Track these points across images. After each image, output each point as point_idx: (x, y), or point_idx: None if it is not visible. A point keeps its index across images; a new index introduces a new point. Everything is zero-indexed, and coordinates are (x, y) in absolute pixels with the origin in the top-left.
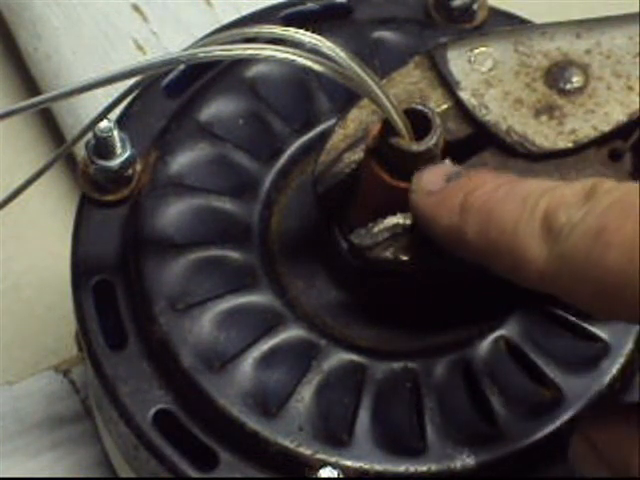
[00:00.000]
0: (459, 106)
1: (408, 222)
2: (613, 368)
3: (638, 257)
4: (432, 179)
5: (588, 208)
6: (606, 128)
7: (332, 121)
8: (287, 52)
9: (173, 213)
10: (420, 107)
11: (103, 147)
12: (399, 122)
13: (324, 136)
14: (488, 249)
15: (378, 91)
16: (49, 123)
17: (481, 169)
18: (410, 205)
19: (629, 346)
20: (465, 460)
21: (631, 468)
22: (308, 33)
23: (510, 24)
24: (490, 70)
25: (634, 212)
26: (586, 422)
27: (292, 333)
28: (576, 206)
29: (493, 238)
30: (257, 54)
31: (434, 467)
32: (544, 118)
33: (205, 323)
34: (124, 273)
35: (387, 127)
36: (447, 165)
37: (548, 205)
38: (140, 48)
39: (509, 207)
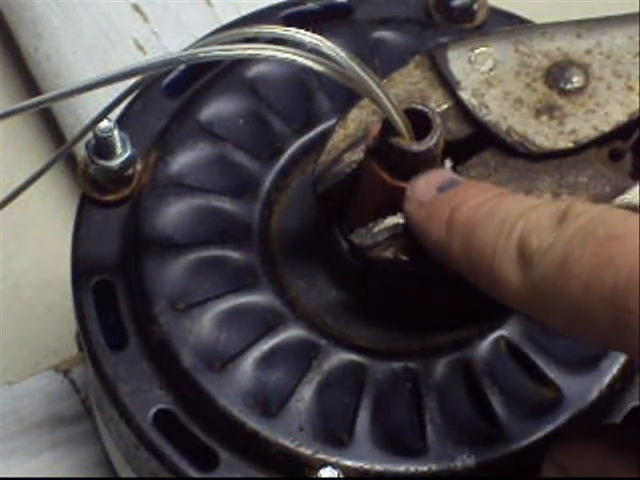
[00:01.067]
0: (459, 106)
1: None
2: (613, 368)
3: (594, 287)
4: (424, 189)
5: (557, 234)
6: (606, 128)
7: (332, 121)
8: (287, 52)
9: (173, 213)
10: (420, 107)
11: (103, 147)
12: (399, 122)
13: (324, 136)
14: (470, 268)
15: (378, 91)
16: (49, 123)
17: (471, 180)
18: (404, 213)
19: None
20: (465, 460)
21: None
22: (308, 33)
23: (510, 24)
24: (490, 70)
25: (594, 241)
26: (555, 447)
27: (292, 333)
28: (548, 230)
29: (474, 259)
30: (257, 54)
31: (434, 467)
32: (544, 118)
33: (205, 323)
34: (124, 273)
35: (387, 127)
36: (442, 172)
37: (523, 229)
38: (140, 48)
39: (488, 230)
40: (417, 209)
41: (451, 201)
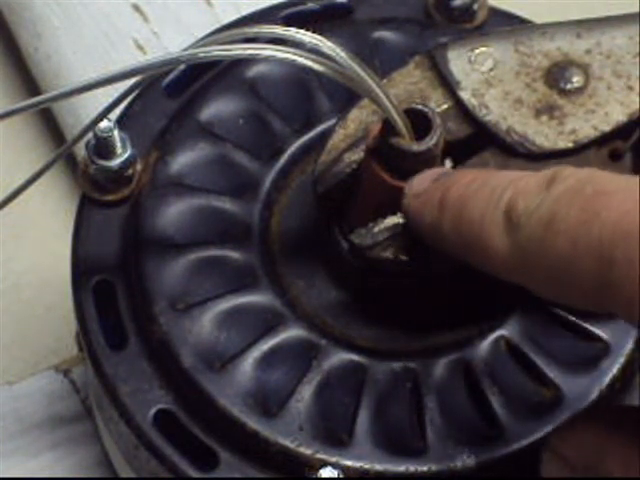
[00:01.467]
0: (459, 106)
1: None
2: (613, 368)
3: (581, 242)
4: (420, 182)
5: (544, 195)
6: (606, 128)
7: (332, 121)
8: (287, 52)
9: (173, 213)
10: (420, 107)
11: (103, 147)
12: (399, 122)
13: (324, 136)
14: (461, 243)
15: (378, 91)
16: (49, 123)
17: (465, 167)
18: (402, 211)
19: (629, 346)
20: (465, 460)
21: (602, 472)
22: (308, 33)
23: (510, 24)
24: (490, 70)
25: (581, 197)
26: (554, 437)
27: (292, 333)
28: (534, 194)
29: (464, 231)
30: (257, 54)
31: (434, 467)
32: (544, 118)
33: (205, 323)
34: (124, 273)
35: (387, 127)
36: (437, 169)
37: (511, 195)
38: (140, 48)
39: (478, 201)
40: (413, 200)
41: (443, 185)
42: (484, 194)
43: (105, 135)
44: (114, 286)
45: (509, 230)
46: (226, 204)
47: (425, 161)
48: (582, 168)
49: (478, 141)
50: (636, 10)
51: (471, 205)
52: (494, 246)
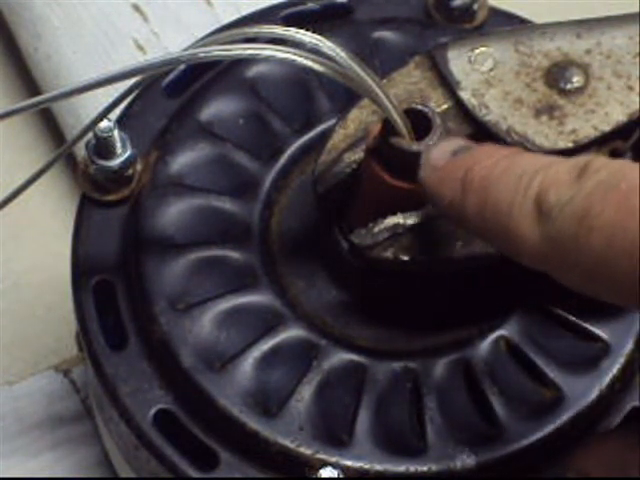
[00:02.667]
0: (459, 106)
1: (408, 222)
2: (613, 368)
3: (617, 241)
4: (439, 155)
5: (577, 188)
6: (606, 128)
7: (332, 121)
8: (287, 52)
9: (173, 213)
10: (420, 107)
11: (103, 147)
12: (399, 122)
13: (324, 136)
14: (486, 227)
15: (378, 91)
16: (49, 123)
17: (486, 143)
18: (419, 180)
19: (629, 346)
20: (465, 460)
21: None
22: (308, 33)
23: (510, 24)
24: (490, 70)
25: (616, 194)
26: (579, 458)
27: (292, 333)
28: (566, 185)
29: (490, 217)
30: (257, 54)
31: (434, 467)
32: (544, 118)
33: (205, 323)
34: (124, 273)
35: (387, 127)
36: (455, 139)
37: (541, 184)
38: (140, 48)
39: (504, 186)
40: (431, 174)
41: (465, 162)
42: (511, 179)
43: (105, 135)
44: (114, 286)
45: (540, 221)
46: (226, 204)
47: None
48: (613, 160)
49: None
50: (636, 10)
51: (497, 190)
52: (523, 235)
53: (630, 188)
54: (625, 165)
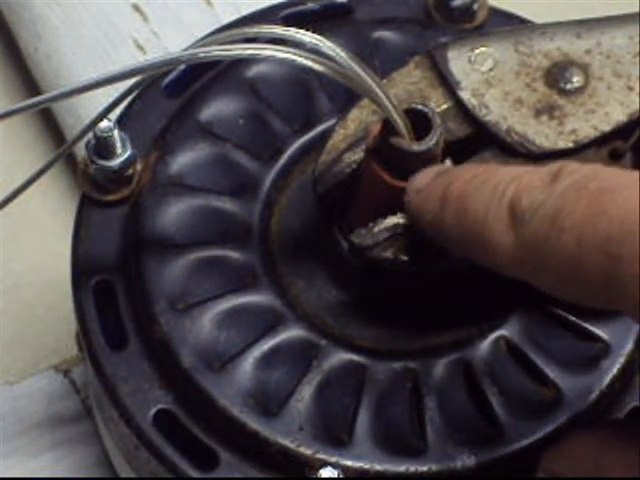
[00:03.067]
0: (459, 106)
1: (408, 222)
2: (613, 368)
3: (587, 240)
4: (422, 178)
5: (549, 192)
6: (606, 128)
7: (332, 121)
8: (287, 52)
9: (173, 213)
10: (420, 107)
11: (103, 147)
12: (399, 122)
13: (324, 136)
14: (464, 238)
15: (378, 91)
16: (49, 123)
17: (466, 164)
18: (405, 207)
19: (629, 346)
20: (465, 460)
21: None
22: (308, 33)
23: (510, 24)
24: (490, 70)
25: (586, 194)
26: (545, 458)
27: (292, 333)
28: (539, 190)
29: (467, 227)
30: (257, 54)
31: (434, 467)
32: (544, 118)
33: (205, 323)
34: (124, 273)
35: (387, 127)
36: (438, 166)
37: (515, 191)
38: (140, 48)
39: (481, 196)
40: (415, 196)
41: (445, 180)
42: (487, 189)
43: (105, 135)
44: (114, 286)
45: (513, 226)
46: (226, 204)
47: (425, 161)
48: (586, 164)
49: (478, 141)
50: (636, 10)
51: (473, 200)
52: (498, 242)
53: (600, 188)
54: (598, 168)
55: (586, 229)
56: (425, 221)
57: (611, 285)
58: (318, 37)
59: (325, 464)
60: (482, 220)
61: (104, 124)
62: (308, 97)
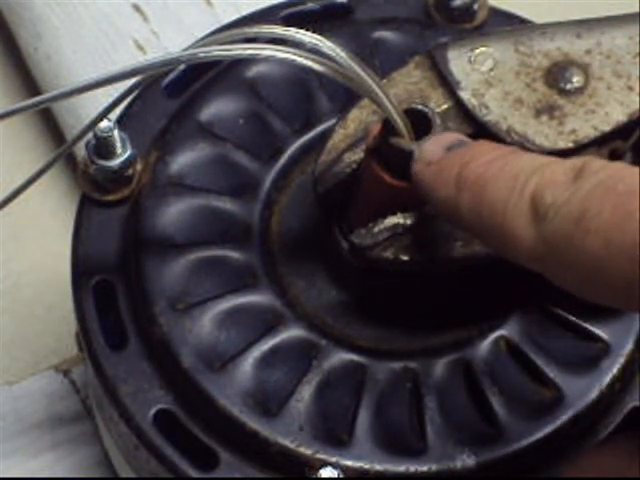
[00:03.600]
0: (459, 106)
1: (408, 222)
2: (613, 368)
3: (614, 243)
4: (433, 148)
5: (573, 189)
6: (606, 128)
7: (332, 121)
8: (287, 52)
9: (173, 213)
10: (420, 107)
11: (103, 147)
12: (399, 122)
13: (324, 136)
14: (480, 226)
15: (378, 91)
16: (49, 123)
17: (482, 140)
18: (412, 174)
19: (629, 346)
20: (465, 460)
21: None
22: (308, 33)
23: (510, 24)
24: (490, 70)
25: (614, 196)
26: (575, 468)
27: (292, 333)
28: (563, 186)
29: (485, 216)
30: (257, 54)
31: (434, 467)
32: (544, 118)
33: (205, 323)
34: (124, 273)
35: (387, 127)
36: (451, 134)
37: (537, 184)
38: (140, 48)
39: (500, 185)
40: (425, 168)
41: (460, 158)
42: (507, 178)
43: (105, 135)
44: (114, 286)
45: (535, 221)
46: (226, 204)
47: None
48: (611, 162)
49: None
50: (636, 10)
51: (493, 188)
52: (518, 235)
53: (628, 190)
54: (623, 167)
55: (613, 233)
56: (437, 198)
57: (634, 288)
58: (318, 37)
59: (325, 464)
60: (501, 211)
61: (104, 124)
62: (308, 97)
